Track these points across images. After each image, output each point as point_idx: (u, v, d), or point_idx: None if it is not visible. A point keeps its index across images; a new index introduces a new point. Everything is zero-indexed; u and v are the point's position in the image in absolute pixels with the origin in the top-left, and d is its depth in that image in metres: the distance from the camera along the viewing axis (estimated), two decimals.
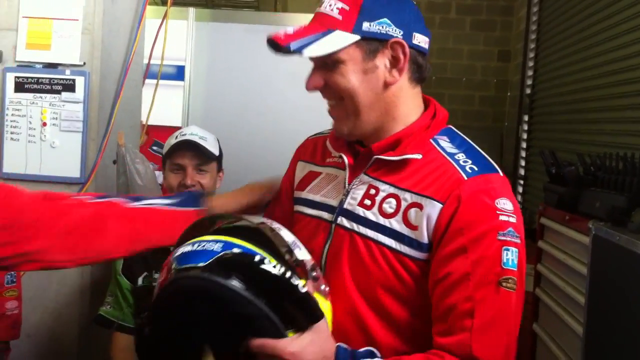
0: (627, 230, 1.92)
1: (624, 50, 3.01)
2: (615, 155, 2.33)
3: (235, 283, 1.14)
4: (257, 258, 1.18)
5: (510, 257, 1.27)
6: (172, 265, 1.21)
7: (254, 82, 3.46)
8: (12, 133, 2.51)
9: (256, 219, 1.35)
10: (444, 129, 1.45)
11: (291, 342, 1.18)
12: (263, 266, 1.17)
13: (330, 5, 1.34)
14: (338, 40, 1.32)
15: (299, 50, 1.31)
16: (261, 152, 3.34)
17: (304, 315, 1.20)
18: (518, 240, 1.29)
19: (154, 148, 2.99)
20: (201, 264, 1.17)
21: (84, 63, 2.49)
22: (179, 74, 3.63)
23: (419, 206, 1.32)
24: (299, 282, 1.19)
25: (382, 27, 1.33)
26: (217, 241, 1.21)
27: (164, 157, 2.33)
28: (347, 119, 1.40)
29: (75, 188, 2.50)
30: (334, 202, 1.45)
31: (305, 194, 1.55)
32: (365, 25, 1.32)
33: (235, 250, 1.19)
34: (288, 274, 1.18)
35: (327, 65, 1.35)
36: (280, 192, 1.71)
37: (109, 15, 2.56)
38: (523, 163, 4.98)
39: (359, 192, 1.40)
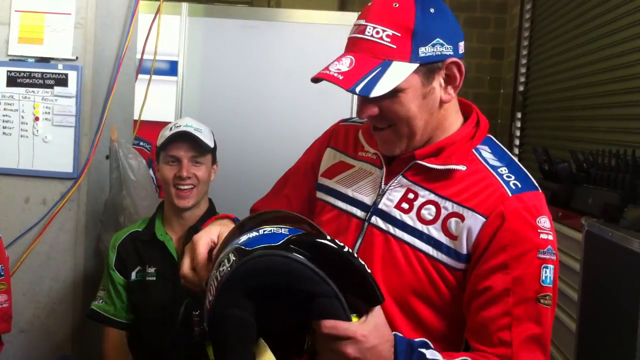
0: (620, 227, 1.92)
1: (617, 48, 3.02)
2: (608, 152, 2.34)
3: (307, 263, 1.13)
4: (327, 239, 1.17)
5: (548, 274, 1.29)
6: (239, 250, 1.17)
7: (248, 78, 3.45)
8: (4, 127, 2.50)
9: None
10: (485, 138, 1.43)
11: (361, 325, 1.15)
12: (332, 246, 1.15)
13: (377, 33, 1.28)
14: (399, 73, 1.27)
15: (365, 94, 1.26)
16: (255, 147, 3.34)
17: (367, 296, 1.18)
18: (554, 257, 1.31)
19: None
20: (274, 244, 1.16)
21: (77, 57, 2.48)
22: (172, 69, 3.61)
23: (460, 217, 1.31)
24: (364, 263, 1.17)
25: (436, 48, 1.29)
26: (281, 227, 1.21)
27: (157, 149, 2.31)
28: (399, 142, 1.37)
29: (68, 183, 2.49)
30: (367, 200, 1.43)
31: (333, 184, 1.52)
32: (422, 51, 1.28)
33: (301, 233, 1.19)
34: (355, 255, 1.18)
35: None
36: (297, 172, 1.67)
37: (102, 10, 2.55)
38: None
39: (396, 194, 1.39)
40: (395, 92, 1.28)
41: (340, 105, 3.10)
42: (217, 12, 3.64)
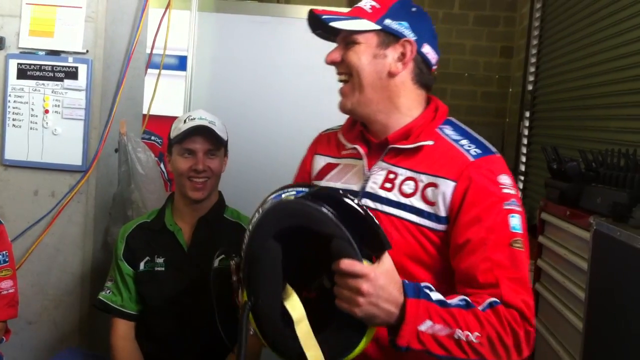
0: (629, 226, 1.92)
1: (627, 48, 3.01)
2: (617, 151, 2.34)
3: (325, 209, 1.31)
4: (340, 193, 1.37)
5: (516, 222, 1.49)
6: (264, 203, 1.40)
7: (257, 74, 3.45)
8: (14, 120, 2.52)
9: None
10: (446, 120, 1.66)
11: (374, 267, 1.33)
12: (346, 199, 1.34)
13: (366, 4, 1.60)
14: (360, 25, 1.56)
15: (326, 21, 1.56)
16: (263, 142, 3.34)
17: (376, 243, 1.34)
18: (519, 208, 1.52)
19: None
20: (295, 195, 1.39)
21: (87, 51, 2.49)
22: (181, 64, 3.62)
23: (435, 185, 1.53)
24: (373, 215, 1.35)
25: (401, 27, 1.57)
26: (301, 188, 1.42)
27: (171, 141, 2.31)
28: (352, 95, 1.61)
29: (77, 176, 2.51)
30: (355, 187, 1.64)
31: (325, 183, 1.73)
32: (387, 21, 1.57)
33: (319, 188, 1.42)
34: (365, 207, 1.36)
35: (347, 44, 1.58)
36: (296, 181, 1.87)
37: (113, 3, 2.56)
38: (524, 159, 4.98)
39: (379, 177, 1.60)
40: (353, 43, 1.58)
41: None
42: (227, 8, 3.63)
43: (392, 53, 1.57)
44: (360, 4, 1.61)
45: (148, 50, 2.98)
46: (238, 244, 2.14)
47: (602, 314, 2.03)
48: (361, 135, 1.69)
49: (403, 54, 1.58)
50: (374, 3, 1.59)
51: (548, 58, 4.48)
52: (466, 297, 1.42)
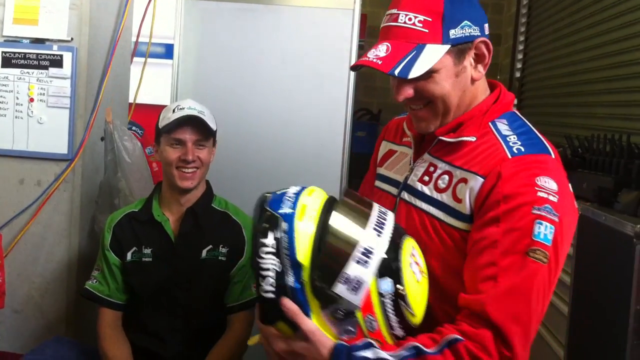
0: (614, 211, 1.94)
1: (614, 34, 3.02)
2: (603, 137, 2.35)
3: (267, 237, 1.24)
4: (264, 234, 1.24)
5: (544, 231, 1.28)
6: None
7: (245, 63, 3.42)
8: None
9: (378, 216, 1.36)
10: (506, 112, 1.51)
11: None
12: (261, 240, 1.24)
13: (410, 20, 1.38)
14: (433, 55, 1.37)
15: (404, 75, 1.36)
16: (251, 132, 3.33)
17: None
18: (556, 219, 1.30)
19: None
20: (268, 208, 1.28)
21: (72, 38, 2.47)
22: (167, 52, 3.59)
23: (465, 181, 1.40)
24: (267, 286, 1.24)
25: (465, 30, 1.39)
26: (297, 195, 1.31)
27: (159, 130, 2.28)
28: (435, 119, 1.48)
29: (62, 165, 2.49)
30: (400, 178, 1.59)
31: (382, 170, 1.71)
32: (452, 33, 1.38)
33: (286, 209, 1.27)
34: (270, 270, 1.24)
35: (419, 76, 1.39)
36: (370, 170, 1.84)
37: None
38: None
39: (420, 169, 1.52)
40: (429, 73, 1.39)
41: (337, 90, 3.08)
42: None
43: (468, 59, 1.43)
44: (402, 24, 1.39)
45: (134, 39, 2.96)
46: (224, 234, 2.30)
47: (587, 298, 2.05)
48: None
49: (478, 55, 1.43)
50: (419, 16, 1.37)
51: (535, 45, 4.49)
52: (417, 344, 1.26)
